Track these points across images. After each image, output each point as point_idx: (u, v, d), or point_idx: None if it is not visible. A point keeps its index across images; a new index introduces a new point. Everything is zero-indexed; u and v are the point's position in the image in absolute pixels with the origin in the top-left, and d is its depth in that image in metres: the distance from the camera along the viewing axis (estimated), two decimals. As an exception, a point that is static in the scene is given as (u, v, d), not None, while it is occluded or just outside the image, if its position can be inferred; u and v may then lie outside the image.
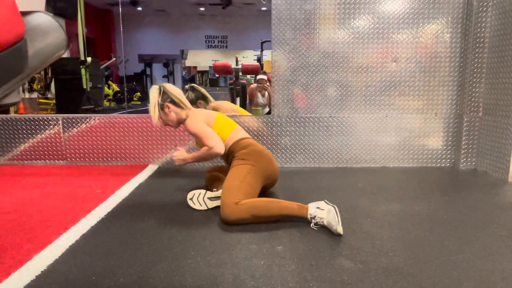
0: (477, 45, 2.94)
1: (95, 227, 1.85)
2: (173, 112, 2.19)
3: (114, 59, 11.45)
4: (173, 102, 2.18)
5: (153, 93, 2.16)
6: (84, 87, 4.37)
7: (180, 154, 2.22)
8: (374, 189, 2.52)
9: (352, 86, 3.11)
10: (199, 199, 2.11)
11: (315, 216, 1.82)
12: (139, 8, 13.81)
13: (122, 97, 10.69)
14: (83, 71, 4.35)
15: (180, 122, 2.23)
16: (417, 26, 3.03)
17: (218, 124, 2.21)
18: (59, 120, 3.12)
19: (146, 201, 2.27)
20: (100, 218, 1.96)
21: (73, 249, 1.60)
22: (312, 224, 1.83)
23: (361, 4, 3.00)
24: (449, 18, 3.02)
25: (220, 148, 2.08)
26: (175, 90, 2.19)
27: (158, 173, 2.97)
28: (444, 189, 2.56)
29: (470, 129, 3.04)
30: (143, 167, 3.09)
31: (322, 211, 1.81)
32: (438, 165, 3.20)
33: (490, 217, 1.99)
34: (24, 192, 2.43)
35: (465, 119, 3.04)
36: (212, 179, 2.36)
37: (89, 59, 4.40)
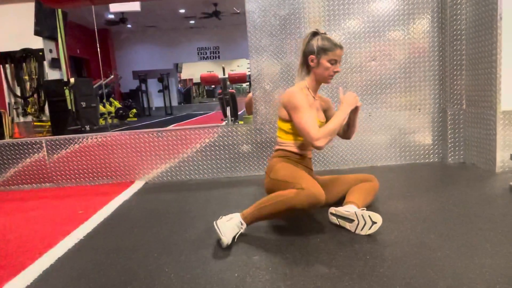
0: (455, 37, 2.92)
1: (72, 250, 1.82)
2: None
3: (111, 77, 11.51)
4: None
5: None
6: (69, 107, 4.38)
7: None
8: (360, 190, 2.49)
9: (333, 87, 3.09)
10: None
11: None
12: (129, 26, 13.98)
13: (124, 113, 10.76)
14: (67, 92, 4.37)
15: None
16: (394, 23, 3.02)
17: None
18: (42, 143, 3.12)
19: (127, 219, 2.24)
20: (78, 240, 1.93)
21: (46, 274, 1.58)
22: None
23: (338, 5, 3.00)
24: (425, 14, 3.01)
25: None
26: None
27: (144, 190, 2.94)
28: (430, 185, 2.53)
29: (455, 122, 3.01)
30: (129, 184, 3.07)
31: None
32: (427, 160, 3.16)
33: (473, 210, 1.95)
34: (6, 218, 2.41)
35: (449, 113, 3.01)
36: None
37: (72, 79, 4.41)
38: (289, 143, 2.05)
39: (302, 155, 2.07)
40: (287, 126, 2.02)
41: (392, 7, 3.00)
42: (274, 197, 1.75)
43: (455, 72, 2.97)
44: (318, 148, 1.88)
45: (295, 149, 2.05)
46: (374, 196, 2.12)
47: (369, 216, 1.72)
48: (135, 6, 2.98)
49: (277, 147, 2.10)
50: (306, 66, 2.02)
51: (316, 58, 1.95)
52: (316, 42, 1.94)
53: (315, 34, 1.97)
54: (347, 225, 1.79)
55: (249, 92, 4.96)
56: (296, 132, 1.99)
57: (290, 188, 1.74)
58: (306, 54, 1.99)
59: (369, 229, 1.72)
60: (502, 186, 2.34)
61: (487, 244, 1.56)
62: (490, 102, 2.65)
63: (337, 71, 1.99)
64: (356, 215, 1.76)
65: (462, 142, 3.03)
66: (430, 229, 1.75)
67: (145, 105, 14.07)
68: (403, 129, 3.13)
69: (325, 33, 1.98)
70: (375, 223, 1.71)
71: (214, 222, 1.75)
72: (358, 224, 1.75)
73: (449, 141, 3.04)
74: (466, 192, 2.27)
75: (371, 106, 3.11)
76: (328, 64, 1.95)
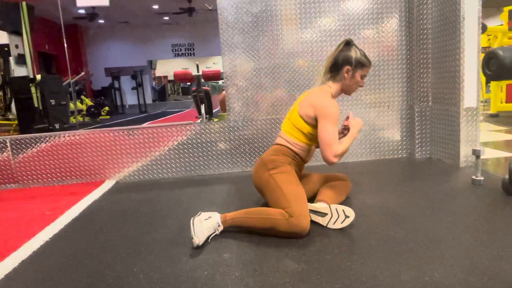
0: (421, 36, 3.01)
1: (37, 252, 1.76)
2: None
3: (82, 74, 11.18)
4: None
5: None
6: (36, 105, 4.23)
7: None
8: (331, 186, 2.53)
9: (303, 85, 3.12)
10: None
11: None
12: (101, 21, 13.60)
13: (96, 111, 10.48)
14: (33, 89, 4.21)
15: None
16: (364, 22, 3.08)
17: None
18: (6, 142, 2.99)
19: (96, 219, 2.19)
20: (44, 242, 1.88)
21: (9, 278, 1.52)
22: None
23: (310, 3, 3.02)
24: (393, 13, 3.09)
25: None
26: None
27: (115, 189, 2.88)
28: (398, 180, 2.60)
29: (422, 118, 3.11)
30: (100, 183, 3.00)
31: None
32: (396, 156, 3.25)
33: (438, 204, 2.02)
34: (-33, 221, 2.31)
35: (416, 109, 3.11)
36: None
37: (38, 76, 4.26)
38: (301, 146, 1.98)
39: (305, 162, 2.09)
40: (307, 129, 1.94)
41: (362, 6, 3.06)
42: (261, 212, 1.76)
43: (421, 70, 3.06)
44: (332, 163, 1.87)
45: (303, 154, 2.01)
46: (346, 195, 2.16)
47: (342, 210, 1.76)
48: (104, 1, 2.89)
49: (287, 144, 1.99)
50: (334, 73, 1.98)
51: (352, 70, 1.94)
52: (355, 54, 1.92)
53: (348, 43, 1.96)
54: (320, 220, 1.82)
55: (224, 89, 4.93)
56: (314, 138, 1.95)
57: (281, 205, 1.75)
58: (340, 63, 1.94)
59: (342, 223, 1.76)
60: (465, 180, 2.43)
61: (449, 236, 1.62)
62: (454, 99, 2.75)
63: (361, 86, 2.04)
64: (330, 209, 1.79)
65: (429, 138, 3.13)
66: (396, 223, 1.80)
67: (118, 103, 13.75)
68: (372, 126, 3.21)
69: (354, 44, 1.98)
70: (348, 217, 1.75)
71: (191, 219, 1.73)
72: (331, 217, 1.78)
73: (417, 137, 3.14)
74: (431, 187, 2.35)
75: (342, 103, 3.16)
76: (359, 79, 1.97)
